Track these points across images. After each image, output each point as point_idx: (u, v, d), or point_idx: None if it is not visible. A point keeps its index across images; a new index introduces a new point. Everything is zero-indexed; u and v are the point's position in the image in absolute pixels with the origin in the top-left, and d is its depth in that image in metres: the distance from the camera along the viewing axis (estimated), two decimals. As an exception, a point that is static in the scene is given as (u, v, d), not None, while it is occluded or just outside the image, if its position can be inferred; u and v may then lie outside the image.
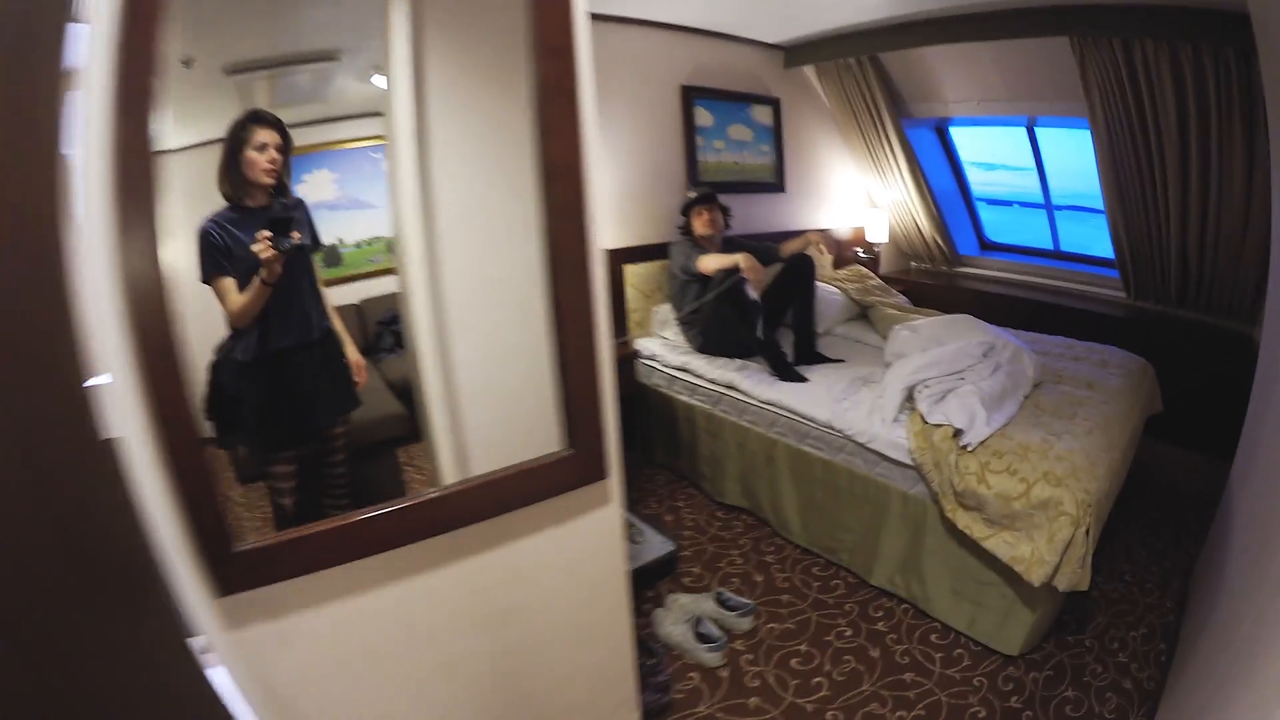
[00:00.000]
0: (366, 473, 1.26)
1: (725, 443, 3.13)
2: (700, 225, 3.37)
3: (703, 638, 2.25)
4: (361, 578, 1.09)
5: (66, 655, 0.68)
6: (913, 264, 5.44)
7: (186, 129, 0.95)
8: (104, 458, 0.78)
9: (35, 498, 0.65)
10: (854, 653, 2.24)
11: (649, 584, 2.61)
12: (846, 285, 4.05)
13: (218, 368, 1.05)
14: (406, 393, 1.26)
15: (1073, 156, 4.05)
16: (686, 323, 3.38)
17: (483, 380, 1.26)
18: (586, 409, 1.20)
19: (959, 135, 4.65)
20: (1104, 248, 4.09)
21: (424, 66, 1.11)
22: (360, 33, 1.11)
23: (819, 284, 3.59)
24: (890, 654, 2.23)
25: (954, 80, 4.16)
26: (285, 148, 1.08)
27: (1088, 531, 1.93)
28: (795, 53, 4.39)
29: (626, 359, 3.50)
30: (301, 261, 1.13)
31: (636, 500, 3.30)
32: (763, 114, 4.42)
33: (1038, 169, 4.33)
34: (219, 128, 1.01)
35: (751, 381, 2.96)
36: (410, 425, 1.26)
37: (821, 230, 4.92)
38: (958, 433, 2.23)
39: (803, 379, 2.93)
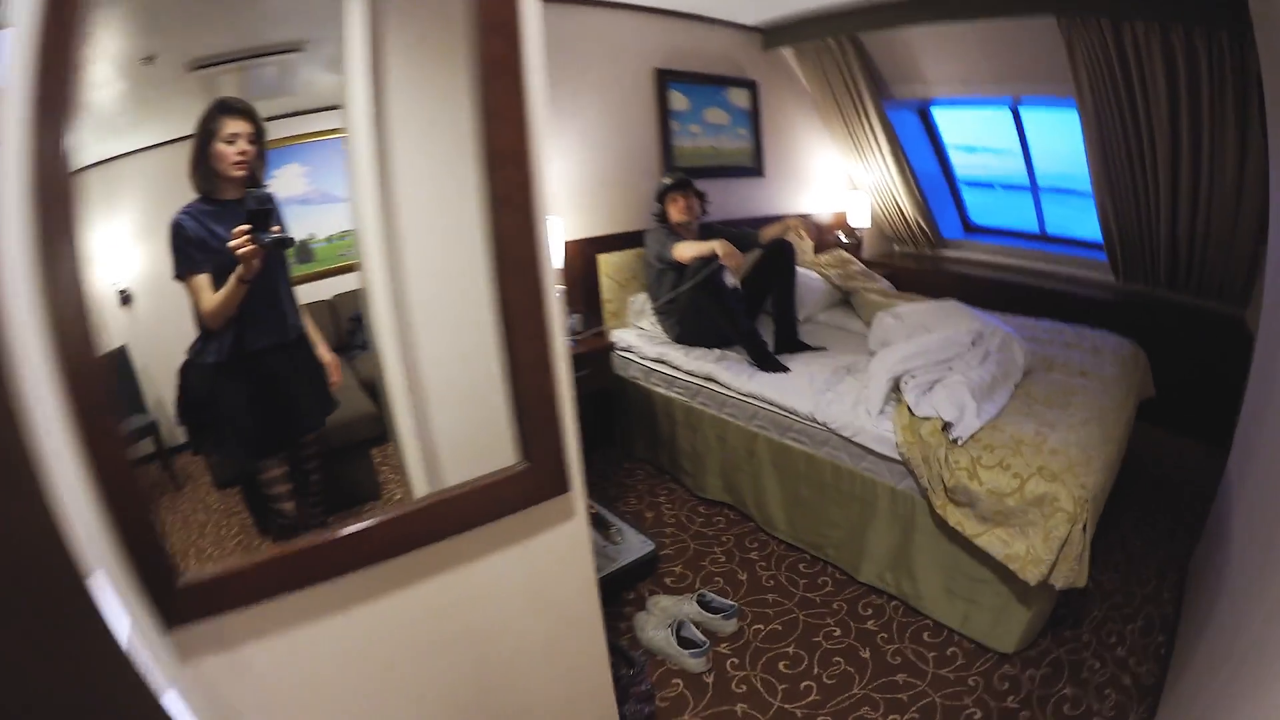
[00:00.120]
0: (342, 475, 1.22)
1: (705, 436, 3.04)
2: (676, 212, 3.31)
3: (686, 642, 2.17)
4: (313, 605, 1.03)
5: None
6: (895, 247, 5.40)
7: (153, 127, 0.94)
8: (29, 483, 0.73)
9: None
10: (844, 654, 2.17)
11: (629, 585, 2.54)
12: (828, 270, 4.00)
13: (188, 370, 1.02)
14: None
15: (1056, 138, 4.00)
16: (663, 312, 3.31)
17: (449, 381, 1.18)
18: (542, 419, 1.09)
19: (941, 117, 4.58)
20: (1089, 230, 4.05)
21: (383, 51, 1.03)
22: (319, 20, 1.05)
23: (799, 270, 3.52)
24: (881, 654, 2.16)
25: (937, 61, 4.08)
26: (258, 138, 1.02)
27: (1085, 528, 1.85)
28: (773, 34, 4.31)
29: (603, 351, 3.41)
30: (277, 258, 1.08)
31: (616, 497, 3.23)
32: (740, 97, 4.33)
33: (1023, 150, 4.27)
34: (187, 124, 0.97)
35: (730, 373, 2.88)
36: (383, 425, 1.22)
37: (802, 215, 4.86)
38: (947, 425, 2.14)
39: (784, 368, 2.86)
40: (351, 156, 1.05)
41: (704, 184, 3.54)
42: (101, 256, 0.87)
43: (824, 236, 4.97)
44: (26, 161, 0.73)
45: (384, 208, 1.06)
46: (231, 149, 1.00)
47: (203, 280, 1.00)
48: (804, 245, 4.42)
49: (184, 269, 0.99)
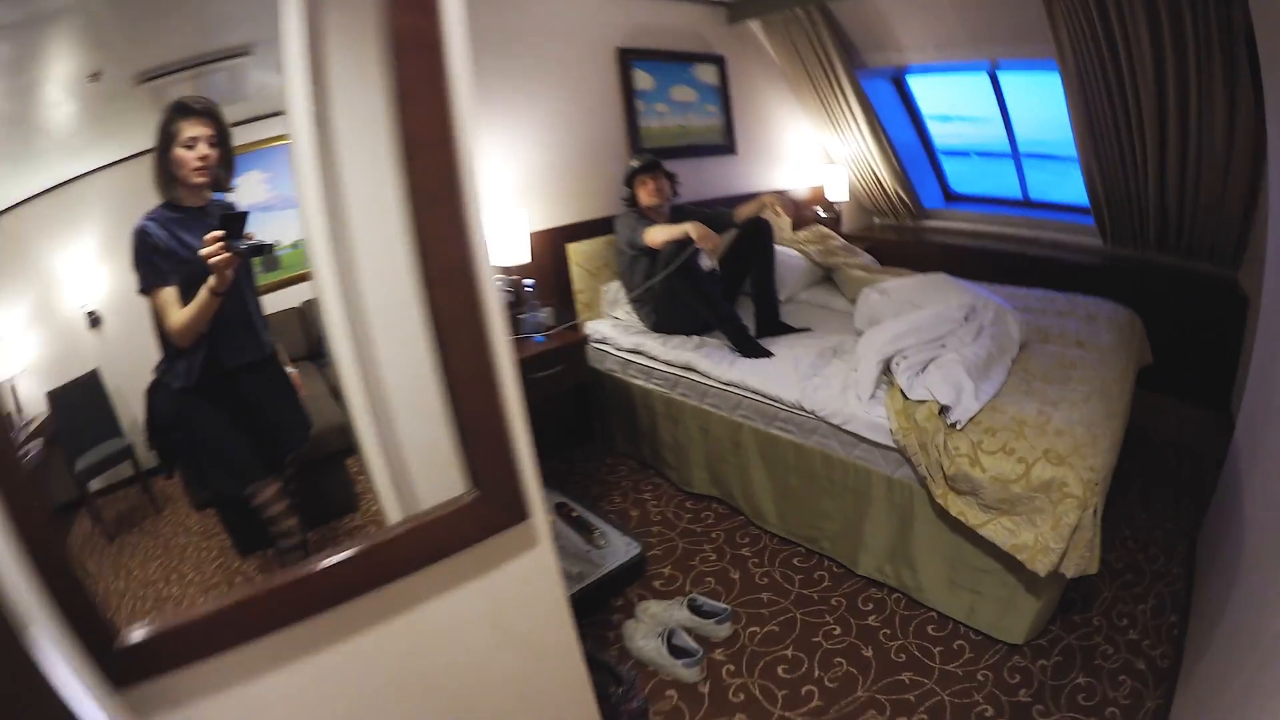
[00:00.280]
0: (318, 488, 1.18)
1: (688, 428, 2.92)
2: (645, 195, 3.20)
3: (678, 651, 2.06)
4: (264, 656, 0.92)
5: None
6: (876, 220, 5.31)
7: (109, 144, 0.92)
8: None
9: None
10: (845, 653, 2.07)
11: (616, 591, 2.42)
12: (808, 248, 3.89)
13: (156, 391, 0.97)
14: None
15: (1036, 103, 3.90)
16: (638, 300, 3.18)
17: (410, 393, 1.03)
18: (490, 442, 0.95)
19: (917, 85, 4.47)
20: (1072, 194, 3.96)
21: (323, 46, 0.90)
22: (261, 22, 0.98)
23: (778, 248, 3.38)
24: (885, 652, 2.06)
25: (910, 26, 3.96)
26: (221, 140, 0.97)
27: (1095, 512, 1.74)
28: (739, 7, 4.17)
29: (577, 345, 3.27)
30: (243, 268, 1.00)
31: (599, 495, 3.10)
32: (707, 73, 4.19)
33: (1003, 115, 4.16)
34: (145, 138, 0.94)
35: (710, 361, 2.75)
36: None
37: (778, 191, 4.70)
38: (944, 409, 2.02)
39: (767, 353, 2.75)
40: (295, 158, 0.95)
41: (674, 164, 3.43)
42: (67, 280, 0.89)
43: (802, 212, 4.83)
44: None
45: (331, 210, 0.94)
46: (191, 154, 0.95)
47: (170, 294, 0.95)
48: (781, 222, 4.30)
49: (150, 281, 0.93)
